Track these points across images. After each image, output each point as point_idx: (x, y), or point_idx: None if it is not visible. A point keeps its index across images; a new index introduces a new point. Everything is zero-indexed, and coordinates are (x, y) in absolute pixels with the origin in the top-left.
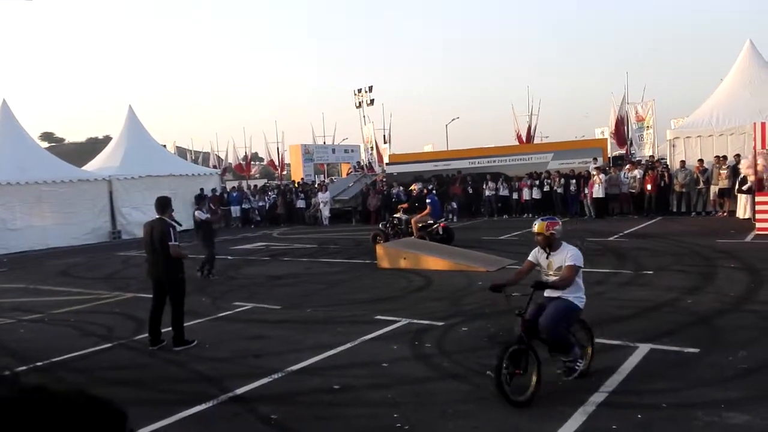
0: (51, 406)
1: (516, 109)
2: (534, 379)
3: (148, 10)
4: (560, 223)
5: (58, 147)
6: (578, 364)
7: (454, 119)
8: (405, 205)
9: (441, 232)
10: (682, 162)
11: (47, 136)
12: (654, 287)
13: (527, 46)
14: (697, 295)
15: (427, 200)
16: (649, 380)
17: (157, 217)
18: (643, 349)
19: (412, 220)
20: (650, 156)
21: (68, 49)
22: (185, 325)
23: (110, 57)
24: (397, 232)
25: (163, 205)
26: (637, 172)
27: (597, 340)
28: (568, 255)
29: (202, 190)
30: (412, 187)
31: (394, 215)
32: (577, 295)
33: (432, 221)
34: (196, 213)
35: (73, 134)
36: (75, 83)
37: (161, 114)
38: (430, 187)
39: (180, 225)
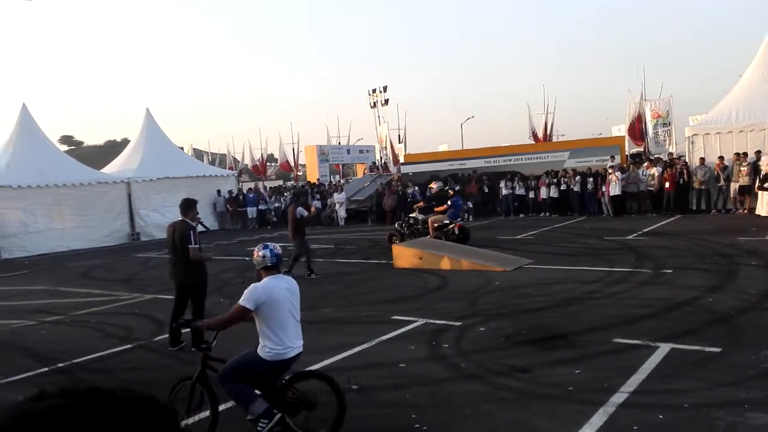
0: (108, 407)
1: (532, 107)
2: (210, 416)
3: (164, 13)
4: (263, 250)
5: (77, 150)
6: (260, 425)
7: (469, 118)
8: (421, 204)
9: (457, 232)
10: (702, 159)
11: (66, 140)
12: (674, 286)
13: (543, 44)
14: (718, 293)
15: (449, 201)
16: (670, 380)
17: (180, 218)
18: (664, 348)
19: (429, 220)
20: (670, 153)
21: (86, 52)
22: None
23: (127, 60)
24: (413, 231)
25: (187, 206)
26: (656, 170)
27: (618, 340)
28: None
29: (303, 186)
30: (432, 185)
31: (410, 215)
32: (263, 344)
33: (448, 221)
34: (298, 210)
35: (92, 137)
36: (93, 87)
37: (178, 117)
38: (457, 188)
39: (207, 228)
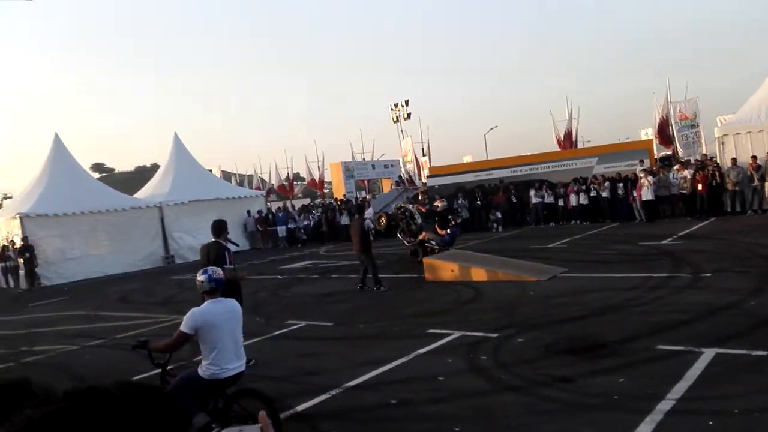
0: (107, 405)
1: (555, 115)
2: None
3: (187, 37)
4: (202, 276)
5: (109, 177)
6: None
7: (492, 128)
8: (423, 209)
9: (435, 251)
10: (734, 159)
11: (98, 167)
12: (714, 290)
13: (564, 50)
14: (760, 296)
15: (449, 230)
16: (717, 386)
17: (213, 240)
18: (709, 353)
19: (423, 234)
20: (703, 154)
21: (113, 80)
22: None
23: (155, 86)
24: (408, 225)
25: (219, 228)
26: (687, 173)
27: (661, 347)
28: None
29: (364, 198)
30: (437, 203)
31: (405, 206)
32: (202, 364)
33: (435, 244)
34: (366, 222)
35: (123, 164)
36: (121, 114)
37: (206, 140)
38: (459, 220)
39: (237, 246)
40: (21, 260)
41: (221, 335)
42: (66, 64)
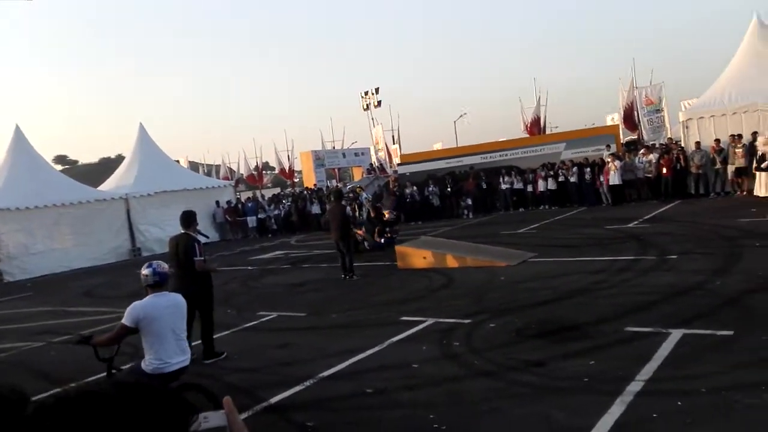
0: (97, 405)
1: (523, 101)
2: None
3: (151, 24)
4: (147, 269)
5: (72, 169)
6: None
7: (462, 115)
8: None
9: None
10: (697, 143)
11: (60, 159)
12: (680, 271)
13: (529, 36)
14: (725, 276)
15: (383, 240)
16: (685, 366)
17: (182, 231)
18: (676, 334)
19: (360, 230)
20: (668, 138)
21: (75, 69)
22: (214, 337)
23: (119, 76)
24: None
25: (188, 219)
26: (653, 156)
27: (629, 329)
28: None
29: (337, 186)
30: (386, 214)
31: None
32: (145, 358)
33: (366, 243)
34: (347, 209)
35: (86, 155)
36: (84, 104)
37: (172, 130)
38: (395, 236)
39: (207, 237)
40: None
41: (161, 329)
42: (30, 53)
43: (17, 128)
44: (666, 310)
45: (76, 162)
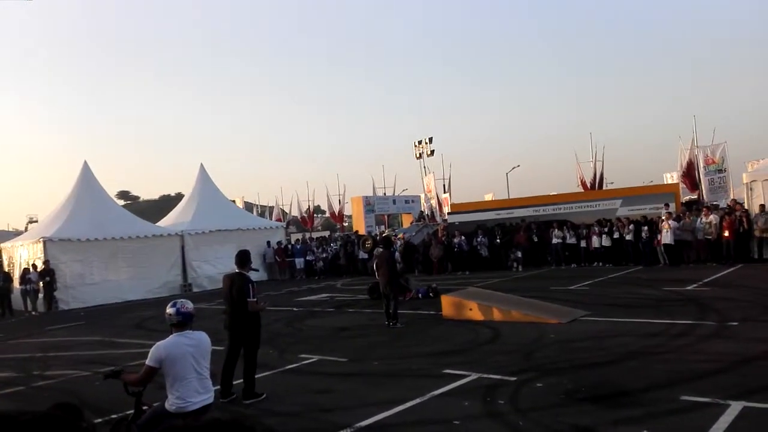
0: None
1: (579, 155)
2: None
3: (214, 70)
4: (171, 308)
5: (133, 205)
6: None
7: (514, 167)
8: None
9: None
10: (762, 206)
11: (123, 195)
12: (741, 339)
13: (588, 90)
14: None
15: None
16: None
17: (237, 271)
18: (736, 407)
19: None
20: (732, 200)
21: (143, 111)
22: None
23: (182, 117)
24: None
25: (243, 259)
26: (714, 218)
27: (685, 398)
28: None
29: (387, 233)
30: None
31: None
32: (168, 397)
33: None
34: (396, 255)
35: (148, 192)
36: (149, 144)
37: (231, 170)
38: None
39: (257, 270)
40: (41, 284)
41: (183, 368)
42: (99, 93)
43: (85, 164)
44: (725, 380)
45: (137, 198)
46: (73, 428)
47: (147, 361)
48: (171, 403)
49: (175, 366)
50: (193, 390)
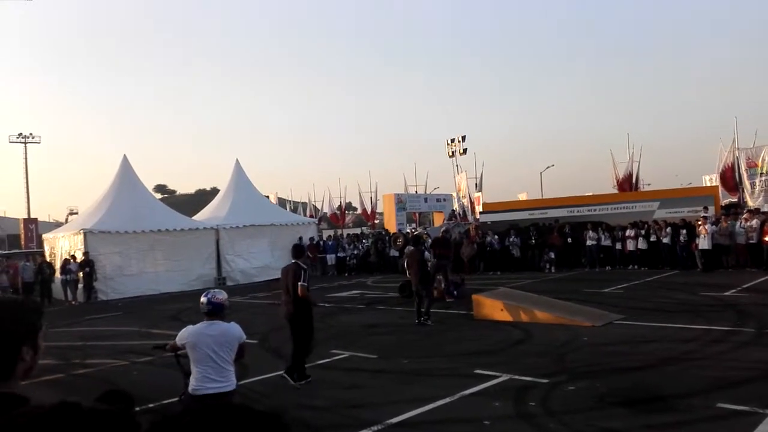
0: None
1: (615, 156)
2: None
3: (248, 68)
4: (203, 298)
5: (170, 198)
6: None
7: (549, 167)
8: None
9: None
10: None
11: (160, 188)
12: None
13: (625, 90)
14: None
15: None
16: None
17: (293, 261)
18: None
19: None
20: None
21: (180, 108)
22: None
23: (218, 115)
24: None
25: (298, 250)
26: (755, 222)
27: (721, 405)
28: None
29: (418, 232)
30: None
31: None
32: (191, 378)
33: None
34: (426, 254)
35: (184, 186)
36: (186, 139)
37: (265, 165)
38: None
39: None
40: (81, 274)
41: (200, 355)
42: (139, 91)
43: (125, 158)
44: (764, 388)
45: (174, 192)
46: (132, 424)
47: (176, 339)
48: (190, 384)
49: (194, 351)
50: (206, 377)
